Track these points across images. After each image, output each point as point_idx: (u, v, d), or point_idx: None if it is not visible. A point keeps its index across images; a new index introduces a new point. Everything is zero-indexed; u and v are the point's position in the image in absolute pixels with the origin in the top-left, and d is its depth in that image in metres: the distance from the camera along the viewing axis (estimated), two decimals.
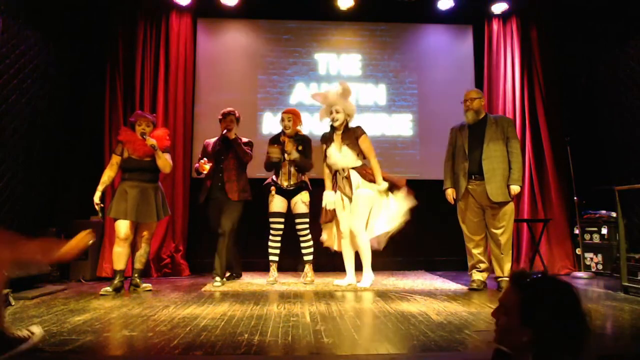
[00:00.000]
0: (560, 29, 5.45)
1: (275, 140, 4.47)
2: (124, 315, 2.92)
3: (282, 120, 4.45)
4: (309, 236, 4.42)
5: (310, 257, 4.44)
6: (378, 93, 5.71)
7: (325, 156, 4.28)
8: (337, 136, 4.25)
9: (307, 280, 4.35)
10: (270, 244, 4.42)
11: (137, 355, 2.14)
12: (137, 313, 2.98)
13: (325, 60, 5.71)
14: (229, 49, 5.62)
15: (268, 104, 5.57)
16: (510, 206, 3.95)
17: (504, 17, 5.64)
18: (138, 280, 4.02)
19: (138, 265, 4.05)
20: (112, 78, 5.05)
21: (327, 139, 4.32)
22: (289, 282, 4.38)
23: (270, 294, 3.76)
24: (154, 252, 4.91)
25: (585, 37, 5.30)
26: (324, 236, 4.30)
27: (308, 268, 4.43)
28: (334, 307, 3.18)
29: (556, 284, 1.23)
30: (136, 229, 3.99)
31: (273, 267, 4.43)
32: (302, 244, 4.42)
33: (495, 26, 5.65)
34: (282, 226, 4.41)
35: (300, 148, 4.37)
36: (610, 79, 5.06)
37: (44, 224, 4.48)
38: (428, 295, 3.73)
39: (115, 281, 3.85)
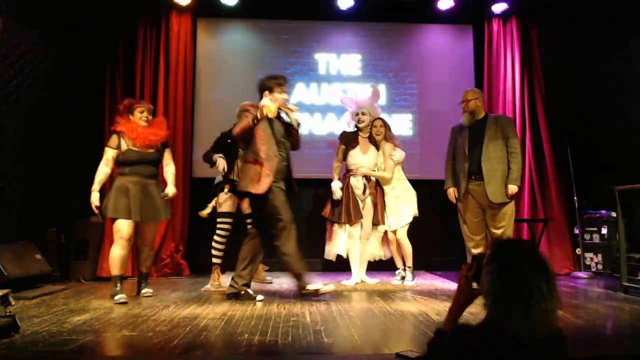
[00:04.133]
0: (560, 29, 5.45)
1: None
2: (124, 315, 2.92)
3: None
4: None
5: None
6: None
7: (345, 155, 4.34)
8: (363, 139, 4.36)
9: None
10: (220, 246, 4.18)
11: (137, 355, 2.14)
12: (137, 313, 2.98)
13: (325, 60, 5.70)
14: (229, 49, 5.61)
15: None
16: (510, 206, 3.95)
17: (504, 17, 5.63)
18: (148, 288, 3.67)
19: (144, 269, 3.74)
20: (112, 78, 5.04)
21: (349, 139, 4.39)
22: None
23: (270, 294, 3.76)
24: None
25: (585, 37, 5.30)
26: (332, 249, 4.29)
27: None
28: (334, 307, 3.18)
29: (507, 245, 1.27)
30: (136, 229, 3.60)
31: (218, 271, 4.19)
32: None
33: (495, 26, 5.65)
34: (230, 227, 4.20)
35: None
36: (610, 79, 5.06)
37: (44, 224, 4.48)
38: (428, 295, 3.73)
39: (117, 288, 3.38)
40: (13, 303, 3.10)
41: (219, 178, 4.26)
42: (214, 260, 4.19)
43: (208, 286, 4.07)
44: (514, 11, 5.57)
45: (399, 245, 4.32)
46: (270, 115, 3.40)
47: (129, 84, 5.08)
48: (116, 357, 2.16)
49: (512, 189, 3.87)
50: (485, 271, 1.24)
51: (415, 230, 4.37)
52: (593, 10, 5.10)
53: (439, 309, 3.10)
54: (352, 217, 4.17)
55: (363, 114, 4.35)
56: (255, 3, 5.46)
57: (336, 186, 4.24)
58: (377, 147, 4.36)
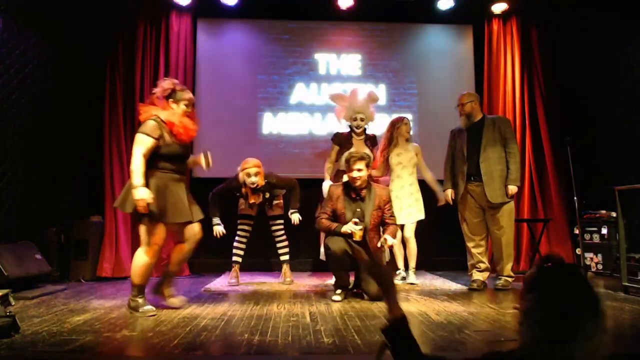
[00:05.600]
0: (560, 29, 5.45)
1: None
2: (124, 315, 2.92)
3: (249, 175, 4.02)
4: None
5: (287, 257, 4.47)
6: (378, 93, 5.62)
7: (338, 158, 4.29)
8: (358, 141, 4.34)
9: (287, 281, 4.36)
10: (241, 245, 4.39)
11: (137, 355, 2.14)
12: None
13: (325, 60, 5.70)
14: (229, 49, 5.61)
15: (268, 104, 5.56)
16: (510, 206, 3.97)
17: (504, 17, 5.63)
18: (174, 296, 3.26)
19: (176, 267, 3.33)
20: (112, 78, 5.04)
21: (343, 141, 4.37)
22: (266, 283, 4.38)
23: (271, 294, 3.76)
24: None
25: (585, 37, 5.30)
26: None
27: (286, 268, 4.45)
28: (334, 307, 3.18)
29: (556, 273, 1.11)
30: (173, 228, 3.16)
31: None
32: (279, 244, 4.45)
33: (495, 26, 5.65)
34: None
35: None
36: (610, 79, 5.06)
37: (44, 224, 4.48)
38: (428, 295, 3.73)
39: (141, 300, 2.97)
40: (13, 303, 3.12)
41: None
42: (234, 258, 4.35)
43: (227, 282, 4.24)
44: (514, 11, 5.57)
45: (402, 244, 4.31)
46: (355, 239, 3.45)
47: (129, 84, 5.08)
48: (116, 357, 2.16)
49: (512, 189, 3.90)
50: (526, 297, 1.09)
51: (415, 230, 4.37)
52: (593, 10, 5.10)
53: (439, 309, 3.10)
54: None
55: (362, 119, 4.35)
56: (255, 3, 5.47)
57: (328, 186, 4.18)
58: (371, 150, 4.34)
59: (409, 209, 4.28)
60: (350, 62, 5.72)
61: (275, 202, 4.41)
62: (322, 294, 3.76)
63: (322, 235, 4.35)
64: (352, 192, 3.59)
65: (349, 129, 4.47)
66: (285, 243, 4.45)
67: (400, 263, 4.38)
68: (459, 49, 5.82)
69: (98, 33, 5.02)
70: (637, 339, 2.50)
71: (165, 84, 3.14)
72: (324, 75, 5.67)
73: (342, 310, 3.09)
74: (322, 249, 4.30)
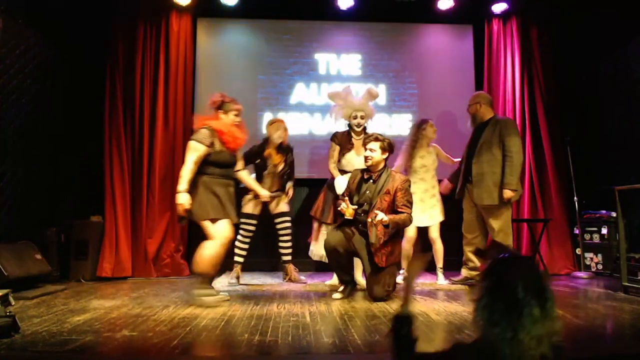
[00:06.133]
0: (560, 29, 5.45)
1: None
2: (124, 315, 2.92)
3: (277, 129, 4.33)
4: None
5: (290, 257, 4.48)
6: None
7: (339, 159, 4.24)
8: (357, 141, 4.23)
9: (299, 280, 4.36)
10: (243, 245, 4.34)
11: (137, 355, 2.14)
12: (137, 313, 2.98)
13: (325, 60, 5.70)
14: (229, 49, 5.61)
15: (268, 104, 5.56)
16: (503, 209, 3.98)
17: (504, 17, 5.62)
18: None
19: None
20: (112, 78, 5.04)
21: (343, 141, 4.27)
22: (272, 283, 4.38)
23: (270, 294, 3.76)
24: (154, 252, 4.91)
25: (585, 37, 5.30)
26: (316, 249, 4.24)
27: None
28: (334, 307, 3.18)
29: (507, 262, 1.18)
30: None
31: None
32: (284, 244, 4.42)
33: (495, 26, 5.64)
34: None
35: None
36: (610, 79, 5.06)
37: (44, 224, 4.48)
38: (428, 295, 3.73)
39: (213, 289, 3.35)
40: (13, 303, 3.11)
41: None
42: (236, 258, 4.29)
43: (227, 282, 4.17)
44: (514, 11, 5.56)
45: (416, 243, 4.30)
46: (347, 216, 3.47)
47: (129, 84, 5.08)
48: (116, 357, 2.16)
49: (505, 193, 3.91)
50: (480, 286, 1.18)
51: (414, 230, 4.37)
52: (593, 10, 5.10)
53: (439, 309, 3.11)
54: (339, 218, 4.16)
55: (362, 117, 4.23)
56: (255, 3, 5.46)
57: (342, 181, 4.08)
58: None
59: (432, 210, 4.26)
60: (350, 62, 5.72)
61: (282, 198, 4.37)
62: (322, 294, 3.76)
63: (314, 234, 4.33)
64: (365, 172, 3.68)
65: (347, 128, 4.34)
66: (290, 243, 4.42)
67: (405, 263, 4.34)
68: (459, 49, 5.82)
69: (98, 33, 5.02)
70: (637, 339, 2.50)
71: (215, 96, 3.50)
72: (324, 75, 5.67)
73: (342, 310, 3.09)
74: (312, 247, 4.31)
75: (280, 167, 4.31)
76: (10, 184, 4.06)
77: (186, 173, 3.19)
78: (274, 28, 5.66)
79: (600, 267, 4.87)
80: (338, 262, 3.62)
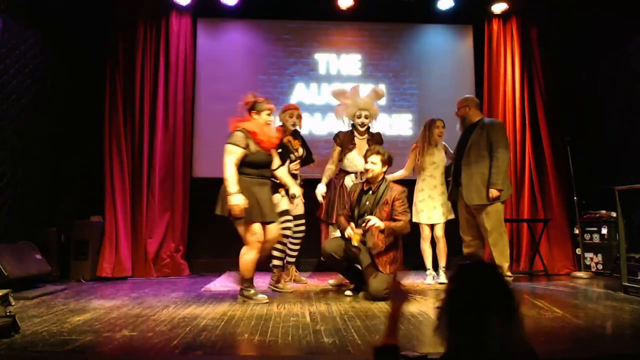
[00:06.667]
0: (560, 29, 5.44)
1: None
2: (124, 315, 2.92)
3: (292, 116, 4.30)
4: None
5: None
6: None
7: (341, 158, 4.24)
8: (361, 140, 4.22)
9: (302, 281, 4.36)
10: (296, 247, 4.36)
11: (137, 355, 2.14)
12: (137, 313, 2.98)
13: (325, 60, 5.70)
14: (229, 49, 5.61)
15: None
16: (494, 208, 3.99)
17: (504, 17, 5.62)
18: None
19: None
20: (112, 78, 5.04)
21: (346, 141, 4.24)
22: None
23: (271, 294, 3.76)
24: (154, 252, 4.91)
25: (585, 37, 5.30)
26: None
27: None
28: (334, 307, 3.18)
29: (469, 271, 1.15)
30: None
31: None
32: (293, 246, 4.37)
33: (495, 26, 5.64)
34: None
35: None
36: (610, 79, 5.06)
37: (44, 224, 4.48)
38: (428, 295, 3.73)
39: (254, 290, 3.38)
40: (13, 303, 3.10)
41: None
42: (287, 259, 4.32)
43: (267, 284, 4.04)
44: (514, 11, 5.56)
45: (431, 244, 4.32)
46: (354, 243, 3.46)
47: (129, 84, 5.08)
48: (116, 357, 2.16)
49: (491, 192, 3.95)
50: (443, 293, 1.14)
51: (415, 230, 4.37)
52: (593, 10, 5.10)
53: None
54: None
55: (366, 116, 4.19)
56: (255, 3, 5.46)
57: (320, 190, 4.16)
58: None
59: (442, 208, 4.28)
60: (350, 62, 5.72)
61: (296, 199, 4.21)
62: (322, 294, 3.76)
63: (323, 235, 4.35)
64: (366, 182, 3.76)
65: (350, 128, 4.32)
66: (299, 247, 4.36)
67: (428, 262, 4.35)
68: (459, 49, 5.82)
69: (98, 33, 5.02)
70: (637, 339, 2.50)
71: (247, 97, 3.51)
72: (324, 75, 5.67)
73: (342, 310, 3.09)
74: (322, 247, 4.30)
75: (300, 151, 4.33)
76: (10, 184, 4.06)
77: (231, 175, 3.26)
78: (274, 28, 5.66)
79: (600, 267, 4.87)
80: (338, 267, 3.76)
